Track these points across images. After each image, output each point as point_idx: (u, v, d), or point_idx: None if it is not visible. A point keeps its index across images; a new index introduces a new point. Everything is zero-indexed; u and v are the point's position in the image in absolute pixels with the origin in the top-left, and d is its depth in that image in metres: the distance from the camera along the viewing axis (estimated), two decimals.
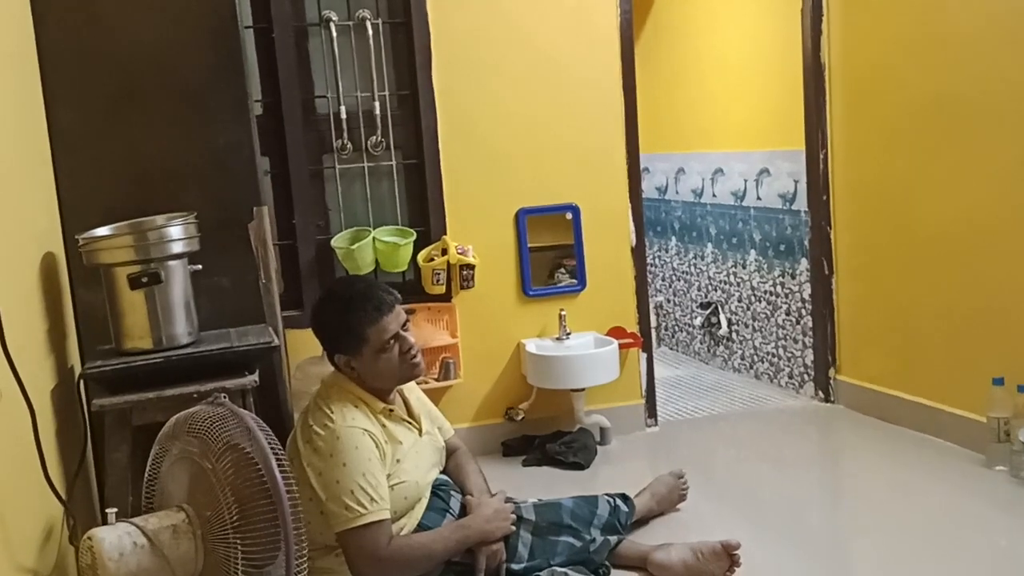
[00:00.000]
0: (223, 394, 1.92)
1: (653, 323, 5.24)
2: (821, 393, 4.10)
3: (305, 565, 1.79)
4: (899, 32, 3.51)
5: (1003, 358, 3.16)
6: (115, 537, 1.76)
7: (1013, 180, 3.08)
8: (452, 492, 2.52)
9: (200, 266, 2.35)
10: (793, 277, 4.21)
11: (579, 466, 3.50)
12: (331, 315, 2.37)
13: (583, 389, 3.66)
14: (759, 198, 4.40)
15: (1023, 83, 3.00)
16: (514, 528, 2.43)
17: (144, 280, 2.18)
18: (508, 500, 2.57)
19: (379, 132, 3.53)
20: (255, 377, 2.24)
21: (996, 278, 3.18)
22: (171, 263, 2.23)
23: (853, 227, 3.88)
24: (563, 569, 2.43)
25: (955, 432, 3.39)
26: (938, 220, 3.41)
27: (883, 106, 3.63)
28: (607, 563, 2.57)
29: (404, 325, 2.38)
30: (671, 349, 5.43)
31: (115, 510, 1.84)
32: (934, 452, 3.39)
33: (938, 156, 3.38)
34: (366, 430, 2.26)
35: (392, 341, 2.33)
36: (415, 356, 2.37)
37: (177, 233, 2.23)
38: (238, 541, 1.77)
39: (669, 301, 5.42)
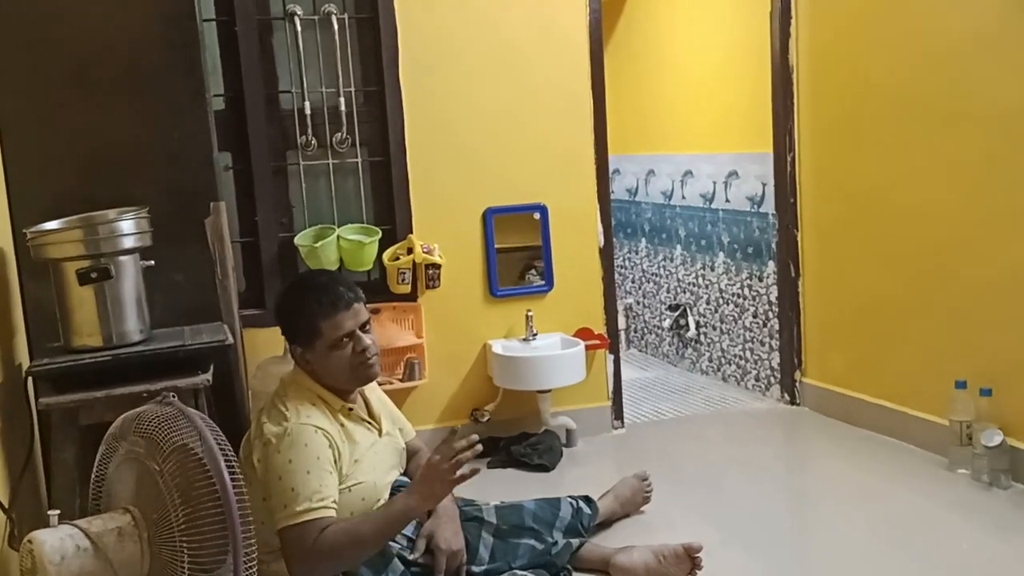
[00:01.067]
0: (172, 394, 1.87)
1: (622, 325, 5.26)
2: (787, 395, 4.10)
3: (254, 569, 1.74)
4: (865, 35, 3.52)
5: (965, 361, 3.17)
6: (56, 540, 1.70)
7: (977, 183, 3.09)
8: None
9: (152, 262, 2.29)
10: (760, 280, 4.21)
11: (544, 468, 3.47)
12: (289, 303, 2.33)
13: (549, 390, 3.63)
14: (727, 200, 4.40)
15: (988, 84, 3.01)
16: (463, 471, 2.18)
17: (93, 275, 2.12)
18: (468, 503, 2.53)
19: (344, 129, 3.48)
20: (208, 376, 2.19)
21: (959, 281, 3.19)
22: (122, 258, 2.18)
23: (820, 230, 3.88)
24: (524, 572, 2.40)
25: (918, 435, 3.40)
26: (903, 223, 3.42)
27: (849, 109, 3.64)
28: (568, 566, 2.53)
29: (364, 326, 2.32)
30: (640, 351, 5.42)
31: (57, 512, 1.78)
32: (898, 455, 3.39)
33: (903, 159, 3.39)
34: (319, 428, 2.21)
35: (346, 339, 2.27)
36: (369, 359, 2.31)
37: (128, 227, 2.18)
38: (185, 544, 1.72)
39: (639, 303, 5.40)
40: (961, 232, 3.17)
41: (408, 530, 2.36)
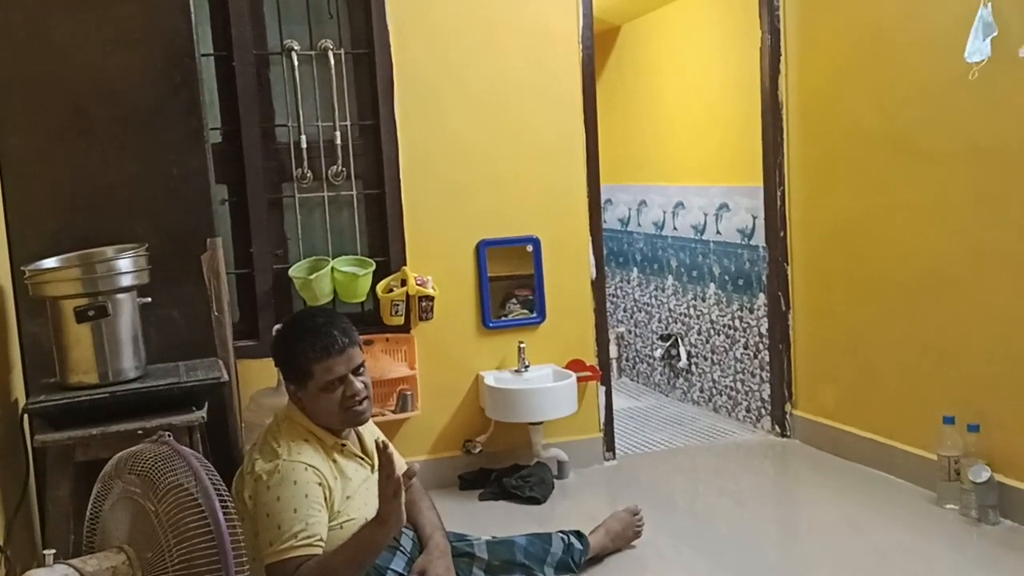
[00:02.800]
0: (167, 432, 1.88)
1: (614, 354, 5.29)
2: (777, 427, 4.12)
3: None
4: (852, 73, 3.57)
5: (954, 397, 3.20)
6: None
7: (964, 221, 3.14)
8: (404, 530, 2.48)
9: (149, 299, 2.31)
10: (751, 311, 4.24)
11: (536, 500, 3.48)
12: (284, 343, 2.35)
13: (541, 422, 3.65)
14: (719, 232, 4.44)
15: (973, 122, 3.06)
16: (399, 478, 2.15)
17: (91, 313, 2.14)
18: (460, 538, 2.54)
19: (340, 161, 3.52)
20: (203, 413, 2.20)
21: (948, 317, 3.23)
22: (119, 296, 2.20)
23: (809, 263, 3.92)
24: None
25: (907, 469, 3.42)
26: (892, 257, 3.46)
27: (839, 145, 3.69)
28: None
29: (357, 369, 2.33)
30: (632, 380, 5.44)
31: (53, 551, 1.79)
32: (886, 489, 3.41)
33: (892, 194, 3.44)
34: (310, 465, 2.22)
35: (337, 383, 2.28)
36: (359, 404, 2.31)
37: (126, 266, 2.20)
38: None
39: (630, 332, 5.43)
40: (948, 269, 3.21)
41: (400, 566, 2.38)
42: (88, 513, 1.94)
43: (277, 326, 2.49)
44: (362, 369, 2.34)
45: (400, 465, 2.24)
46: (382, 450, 2.14)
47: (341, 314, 2.51)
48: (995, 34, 2.82)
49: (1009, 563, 2.77)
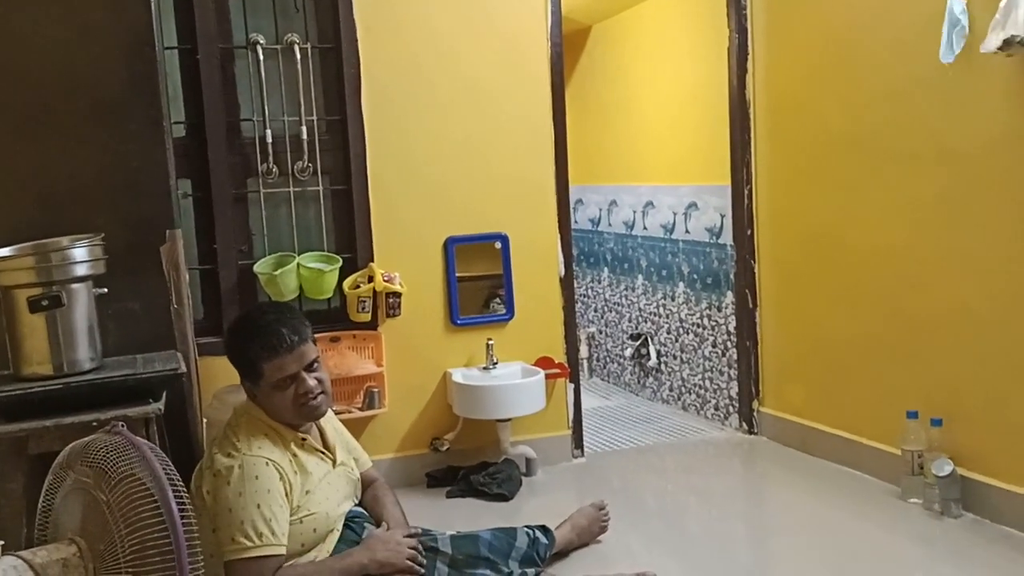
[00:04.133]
0: (121, 423, 1.85)
1: (585, 354, 5.29)
2: (745, 425, 4.13)
3: None
4: (818, 71, 3.60)
5: (917, 392, 3.22)
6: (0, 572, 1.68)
7: (927, 221, 3.16)
8: (367, 525, 2.47)
9: (105, 289, 2.28)
10: (719, 310, 4.26)
11: (503, 497, 3.47)
12: (235, 342, 2.33)
13: (509, 419, 3.64)
14: (687, 231, 4.45)
15: (933, 118, 3.09)
16: (409, 563, 2.34)
17: (44, 303, 2.11)
18: (425, 532, 2.53)
19: (306, 157, 3.49)
20: (160, 405, 2.17)
21: (912, 314, 3.25)
22: (74, 286, 2.17)
23: (776, 261, 3.94)
24: None
25: (872, 464, 3.44)
26: (855, 258, 3.49)
27: (803, 144, 3.71)
28: None
29: (311, 365, 2.30)
30: (602, 380, 5.45)
31: (1, 543, 1.75)
32: (852, 484, 3.43)
33: (858, 193, 3.46)
34: (270, 460, 2.20)
35: (289, 381, 2.26)
36: (311, 400, 2.29)
37: (81, 255, 2.16)
38: (131, 575, 1.71)
39: (601, 332, 5.44)
40: (912, 268, 3.24)
41: None
42: (40, 505, 1.91)
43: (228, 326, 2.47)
44: (316, 365, 2.32)
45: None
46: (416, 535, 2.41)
47: (293, 308, 2.49)
48: (966, 32, 2.84)
49: (971, 555, 2.79)
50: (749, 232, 4.01)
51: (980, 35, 2.76)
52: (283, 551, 2.17)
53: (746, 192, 4.00)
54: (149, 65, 2.49)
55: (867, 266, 3.44)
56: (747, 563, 2.94)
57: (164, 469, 1.75)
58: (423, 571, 2.38)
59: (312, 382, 2.30)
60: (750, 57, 3.94)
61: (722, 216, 4.17)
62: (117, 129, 2.48)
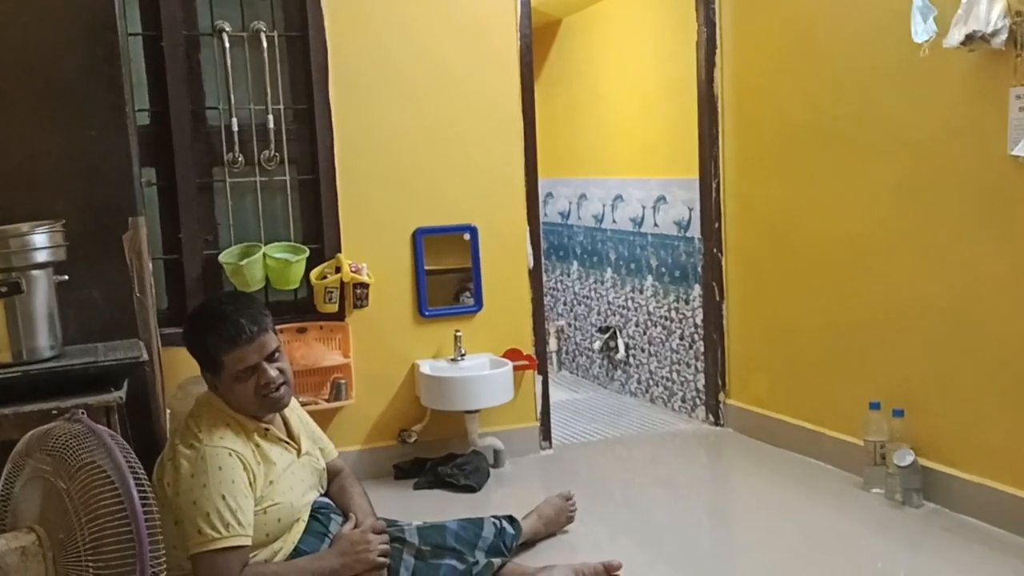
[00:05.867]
0: (81, 410, 1.83)
1: (554, 347, 5.30)
2: (711, 417, 4.17)
3: None
4: (785, 64, 3.63)
5: (879, 383, 3.26)
6: None
7: (889, 213, 3.20)
8: (333, 515, 2.45)
9: (67, 276, 2.24)
10: (687, 303, 4.28)
11: (471, 489, 3.47)
12: (193, 334, 2.30)
13: (477, 411, 3.63)
14: (656, 225, 4.47)
15: (896, 115, 3.13)
16: (382, 559, 2.34)
17: (3, 290, 2.07)
18: (391, 524, 2.52)
19: (273, 146, 3.46)
20: (121, 394, 2.14)
21: (874, 306, 3.29)
22: (34, 272, 2.13)
23: (743, 254, 3.97)
24: None
25: (835, 455, 3.49)
26: (820, 248, 3.52)
27: (770, 137, 3.75)
28: None
29: (272, 355, 2.27)
30: (571, 373, 5.46)
31: None
32: (815, 474, 3.47)
33: (820, 185, 3.50)
34: (233, 451, 2.18)
35: (249, 372, 2.24)
36: (273, 392, 2.26)
37: (41, 241, 2.12)
38: (91, 564, 1.68)
39: (570, 325, 5.45)
40: (874, 260, 3.28)
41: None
42: None
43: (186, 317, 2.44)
44: (277, 355, 2.30)
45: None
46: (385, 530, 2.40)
47: (252, 297, 2.45)
48: (935, 13, 2.85)
49: (932, 544, 2.84)
50: (717, 225, 4.04)
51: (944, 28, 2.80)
52: (249, 542, 2.15)
53: (714, 185, 4.02)
54: (110, 49, 2.43)
55: (830, 258, 3.48)
56: (711, 551, 2.97)
57: (125, 457, 1.73)
58: (390, 562, 2.37)
59: (274, 372, 2.27)
60: (718, 51, 3.96)
61: (690, 209, 4.19)
62: (76, 113, 2.42)
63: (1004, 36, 2.60)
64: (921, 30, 2.85)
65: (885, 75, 3.14)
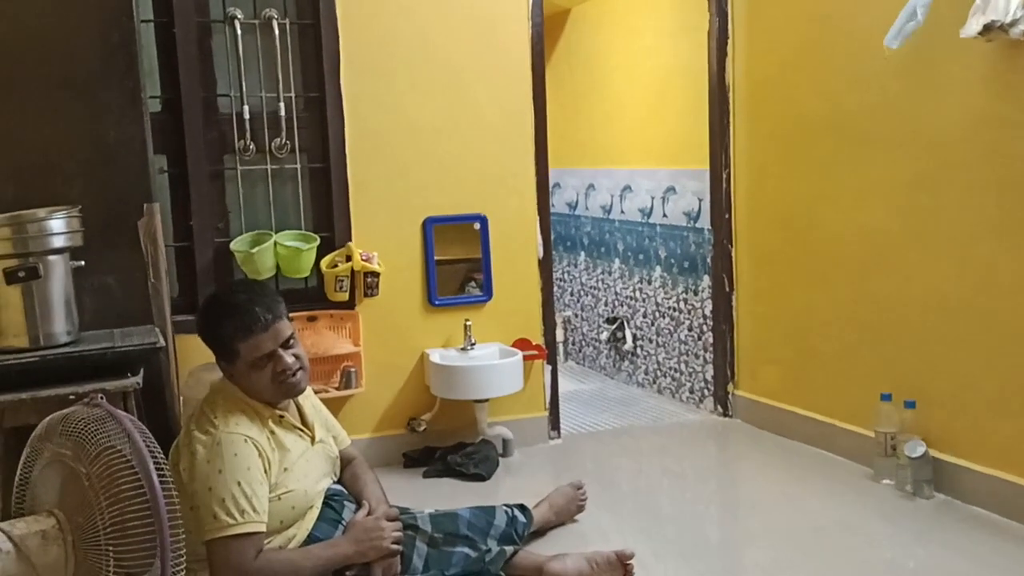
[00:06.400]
0: (100, 395, 1.83)
1: (561, 337, 5.29)
2: (720, 408, 4.17)
3: (183, 574, 1.72)
4: (797, 56, 3.62)
5: (891, 375, 3.26)
6: None
7: (901, 201, 3.20)
8: (346, 502, 2.46)
9: (83, 262, 2.25)
10: (696, 293, 4.28)
11: (480, 477, 3.47)
12: (208, 323, 2.30)
13: (486, 400, 3.64)
14: (665, 215, 4.47)
15: (911, 109, 3.12)
16: (395, 546, 2.35)
17: (21, 274, 2.07)
18: (404, 511, 2.52)
19: (284, 134, 3.45)
20: (138, 379, 2.15)
21: (886, 297, 3.29)
22: (51, 258, 2.13)
23: (753, 245, 3.97)
24: None
25: (845, 446, 3.49)
26: (832, 240, 3.52)
27: (781, 128, 3.73)
28: (502, 573, 2.53)
29: (287, 342, 2.28)
30: (578, 363, 5.46)
31: None
32: (825, 466, 3.47)
33: (832, 177, 3.49)
34: (248, 437, 2.18)
35: (265, 359, 2.24)
36: (290, 378, 2.27)
37: (58, 227, 2.13)
38: (111, 548, 1.69)
39: (577, 316, 5.45)
40: (886, 252, 3.27)
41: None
42: (17, 478, 1.88)
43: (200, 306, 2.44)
44: (292, 341, 2.30)
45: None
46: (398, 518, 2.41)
47: (265, 285, 2.45)
48: (919, 23, 2.86)
49: (942, 535, 2.83)
50: (727, 216, 4.04)
51: (950, 17, 2.79)
52: (264, 528, 2.16)
53: (724, 176, 4.01)
54: (126, 36, 2.44)
55: (842, 250, 3.47)
56: (720, 542, 2.98)
57: (145, 442, 1.73)
58: (403, 549, 2.38)
59: (290, 359, 2.28)
60: (730, 41, 3.95)
61: (700, 200, 4.19)
62: (93, 101, 2.44)
63: (1023, 26, 2.58)
64: (894, 34, 2.86)
65: (901, 66, 3.12)
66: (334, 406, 3.48)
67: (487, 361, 3.63)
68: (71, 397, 2.03)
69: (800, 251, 3.69)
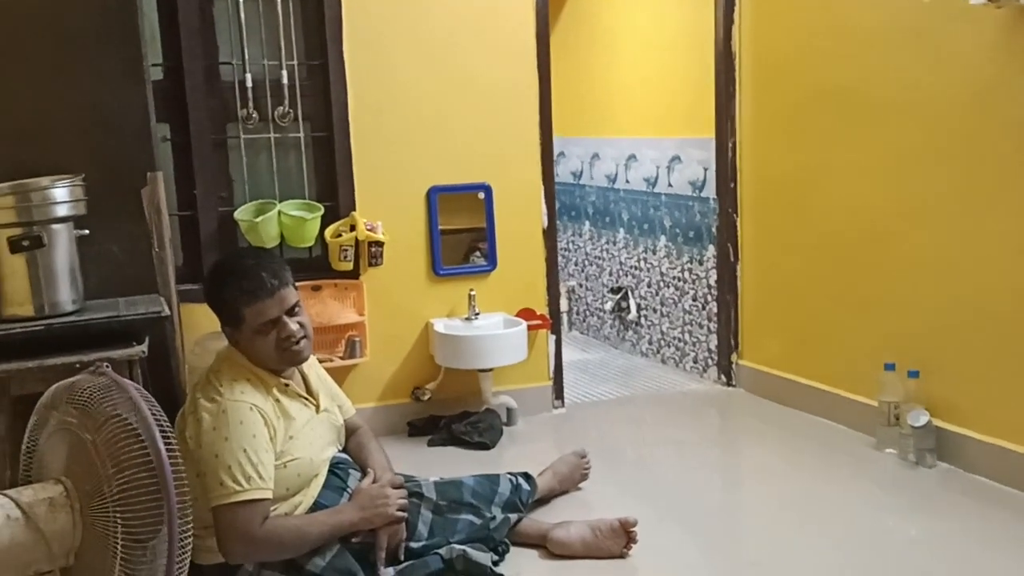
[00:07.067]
0: (106, 363, 1.84)
1: (565, 307, 5.30)
2: (723, 377, 4.17)
3: (190, 539, 1.73)
4: (804, 24, 3.58)
5: (895, 345, 3.26)
6: None
7: (906, 171, 3.18)
8: (351, 471, 2.48)
9: (87, 231, 2.25)
10: (700, 263, 4.27)
11: (484, 446, 3.49)
12: (214, 287, 2.31)
13: (491, 369, 3.65)
14: (670, 185, 4.45)
15: (917, 77, 3.09)
16: (400, 513, 2.36)
17: (25, 243, 2.08)
18: (409, 479, 2.54)
19: (287, 102, 3.44)
20: (143, 348, 2.16)
21: (889, 266, 3.28)
22: (55, 226, 2.13)
23: (758, 215, 3.95)
24: (461, 547, 2.41)
25: (848, 415, 3.50)
26: (836, 208, 3.50)
27: (788, 96, 3.70)
28: (506, 541, 2.57)
29: (292, 309, 2.29)
30: (582, 333, 5.47)
31: None
32: (828, 435, 3.48)
33: (837, 146, 3.47)
34: (254, 405, 2.20)
35: (270, 325, 2.25)
36: (293, 345, 2.28)
37: (62, 195, 2.13)
38: (119, 515, 1.70)
39: (581, 286, 5.45)
40: (890, 221, 3.26)
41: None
42: (24, 445, 1.90)
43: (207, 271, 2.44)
44: (297, 309, 2.31)
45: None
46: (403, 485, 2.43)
47: (272, 253, 2.47)
48: None
49: (945, 504, 2.85)
50: (732, 185, 4.02)
51: None
52: (270, 495, 2.18)
53: (730, 145, 3.99)
54: (126, 1, 2.42)
55: (845, 219, 3.46)
56: (723, 509, 3.00)
57: (151, 409, 1.74)
58: (408, 516, 2.40)
59: (294, 326, 2.29)
60: (736, 8, 3.91)
61: (705, 169, 4.16)
62: (93, 67, 2.42)
63: None
64: None
65: (911, 34, 3.09)
66: (339, 375, 3.49)
67: (491, 331, 3.64)
68: (77, 365, 2.04)
69: (804, 221, 3.67)
